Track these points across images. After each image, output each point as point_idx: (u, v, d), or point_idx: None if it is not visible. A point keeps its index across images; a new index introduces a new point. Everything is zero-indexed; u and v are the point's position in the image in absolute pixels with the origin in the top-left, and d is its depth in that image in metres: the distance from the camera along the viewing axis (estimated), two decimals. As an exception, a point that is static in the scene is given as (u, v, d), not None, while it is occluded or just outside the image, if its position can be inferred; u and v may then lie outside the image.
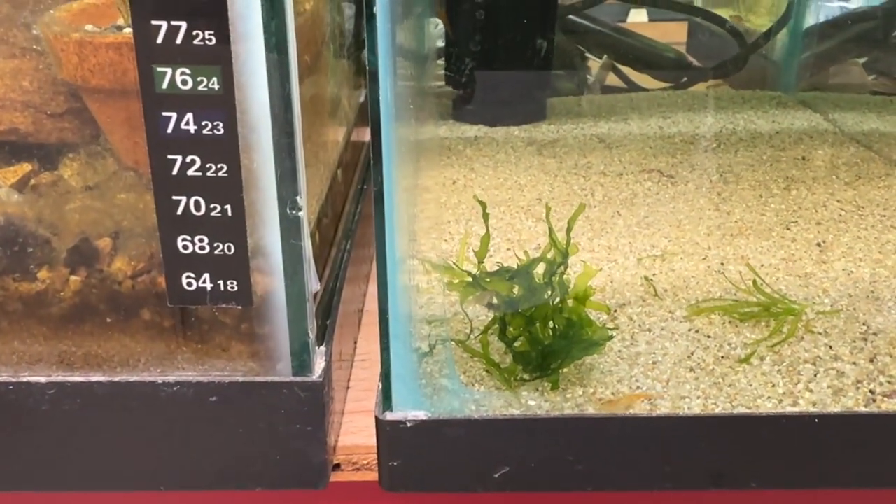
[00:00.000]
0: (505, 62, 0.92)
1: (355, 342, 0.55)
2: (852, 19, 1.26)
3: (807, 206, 0.66)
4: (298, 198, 0.37)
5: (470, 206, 0.68)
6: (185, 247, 0.38)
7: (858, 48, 1.16)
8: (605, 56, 1.22)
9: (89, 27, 0.41)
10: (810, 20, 1.16)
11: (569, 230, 0.43)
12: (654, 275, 0.55)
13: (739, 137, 0.86)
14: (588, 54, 1.25)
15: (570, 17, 1.12)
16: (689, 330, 0.49)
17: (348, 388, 0.50)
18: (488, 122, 0.93)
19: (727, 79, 1.21)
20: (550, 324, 0.44)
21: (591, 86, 1.23)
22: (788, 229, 0.62)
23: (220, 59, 0.34)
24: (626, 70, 1.17)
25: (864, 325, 0.49)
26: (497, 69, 0.92)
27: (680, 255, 0.58)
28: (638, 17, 1.62)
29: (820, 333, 0.48)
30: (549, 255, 0.44)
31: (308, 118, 0.41)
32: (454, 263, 0.50)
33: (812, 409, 0.42)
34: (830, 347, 0.47)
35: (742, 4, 1.37)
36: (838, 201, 0.67)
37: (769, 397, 0.43)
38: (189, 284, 0.39)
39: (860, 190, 0.69)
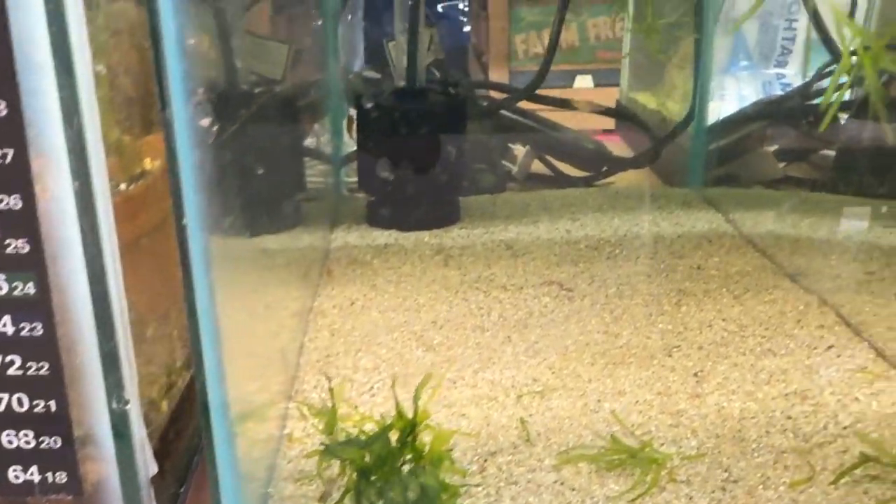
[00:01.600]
0: (418, 164, 0.93)
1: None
2: (762, 107, 1.32)
3: (693, 327, 0.68)
4: (124, 392, 0.37)
5: (363, 334, 0.68)
6: (10, 442, 0.37)
7: (769, 136, 1.21)
8: (527, 146, 1.26)
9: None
10: (729, 104, 1.21)
11: (416, 398, 0.43)
12: (530, 415, 0.55)
13: (642, 242, 0.88)
14: (511, 145, 1.29)
15: (502, 111, 1.16)
16: (555, 482, 0.49)
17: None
18: (402, 226, 0.94)
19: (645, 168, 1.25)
20: (406, 490, 0.44)
21: (517, 174, 1.26)
22: (670, 356, 0.63)
23: (34, 265, 0.34)
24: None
25: (725, 471, 0.49)
26: (410, 171, 0.93)
27: (560, 391, 0.58)
28: (584, 83, 1.67)
29: (683, 482, 0.49)
30: (401, 422, 0.44)
31: (148, 294, 0.41)
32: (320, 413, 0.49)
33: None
34: (691, 498, 0.47)
35: (661, 91, 1.42)
36: (724, 320, 0.69)
37: (626, 559, 0.43)
38: (16, 477, 0.38)
39: (746, 306, 0.71)
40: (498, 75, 1.80)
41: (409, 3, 0.92)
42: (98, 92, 0.35)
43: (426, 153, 0.93)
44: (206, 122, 0.39)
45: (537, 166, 1.24)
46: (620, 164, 1.21)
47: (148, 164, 0.46)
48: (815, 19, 0.96)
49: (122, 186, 0.44)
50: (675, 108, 1.22)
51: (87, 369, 0.36)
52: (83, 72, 0.34)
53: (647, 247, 0.87)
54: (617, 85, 1.61)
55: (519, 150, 1.27)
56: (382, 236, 0.92)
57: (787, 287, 0.75)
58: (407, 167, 0.93)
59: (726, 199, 1.00)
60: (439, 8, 1.74)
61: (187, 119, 0.33)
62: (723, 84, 1.23)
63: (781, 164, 1.17)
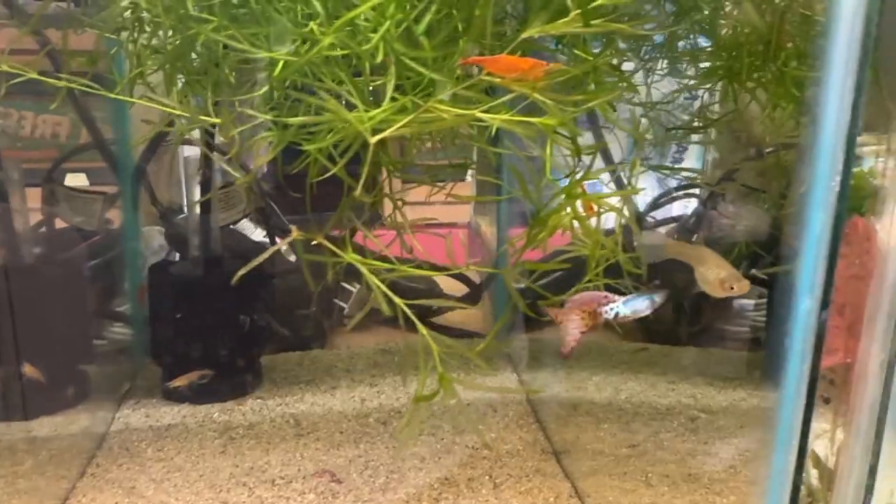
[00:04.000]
0: (210, 335, 0.91)
1: None
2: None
3: None
4: None
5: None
6: None
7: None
8: (359, 286, 1.26)
9: None
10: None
11: None
12: None
13: (433, 412, 0.89)
14: (345, 284, 1.29)
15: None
16: None
17: None
18: (195, 398, 0.91)
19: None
20: None
21: (348, 313, 1.26)
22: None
23: None
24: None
25: None
26: (203, 342, 0.92)
27: None
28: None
29: None
30: None
31: None
32: None
33: None
34: None
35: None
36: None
37: None
38: None
39: (501, 497, 0.72)
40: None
41: (202, 175, 0.93)
42: None
43: (220, 323, 0.91)
44: None
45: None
46: (449, 304, 1.23)
47: None
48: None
49: None
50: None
51: None
52: None
53: (434, 418, 0.87)
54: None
55: (351, 287, 1.27)
56: (170, 414, 0.89)
57: (548, 471, 0.76)
58: (200, 337, 0.91)
59: (526, 351, 1.03)
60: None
61: None
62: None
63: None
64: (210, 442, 0.83)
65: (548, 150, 0.49)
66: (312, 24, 0.47)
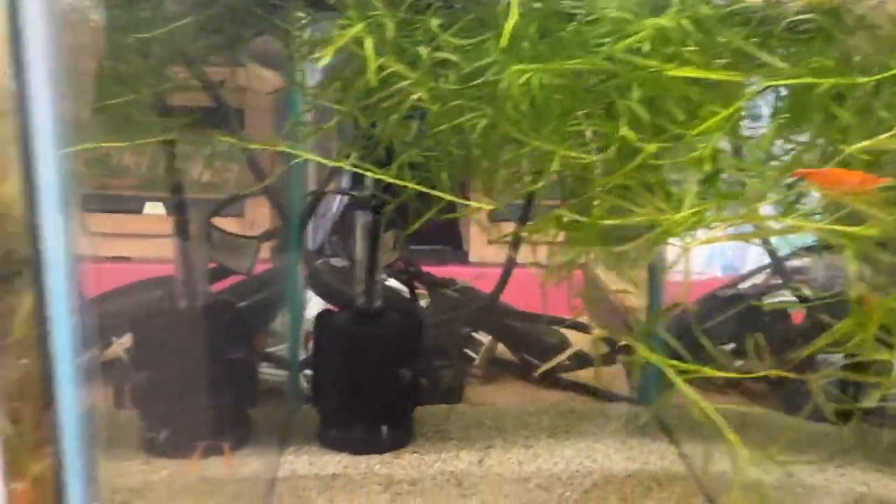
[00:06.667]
0: (372, 389, 0.93)
1: None
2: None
3: None
4: None
5: None
6: None
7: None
8: (489, 338, 1.26)
9: None
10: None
11: None
12: None
13: (594, 481, 0.87)
14: (474, 333, 1.29)
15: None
16: None
17: None
18: (353, 448, 0.92)
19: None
20: None
21: (479, 363, 1.26)
22: None
23: None
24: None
25: None
26: (363, 394, 0.93)
27: None
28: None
29: None
30: None
31: None
32: None
33: None
34: None
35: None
36: None
37: None
38: None
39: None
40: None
41: (369, 226, 0.95)
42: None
43: (380, 377, 0.93)
44: None
45: (503, 350, 1.25)
46: (585, 361, 1.22)
47: None
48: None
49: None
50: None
51: None
52: None
53: (597, 488, 0.85)
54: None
55: (482, 338, 1.28)
56: (332, 462, 0.90)
57: (733, 560, 0.73)
58: (359, 390, 0.93)
59: (681, 422, 1.00)
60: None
61: None
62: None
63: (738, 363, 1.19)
64: (377, 496, 0.83)
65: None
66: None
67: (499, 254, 1.64)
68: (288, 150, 0.63)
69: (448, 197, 0.53)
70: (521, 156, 0.52)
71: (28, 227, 0.37)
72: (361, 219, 0.95)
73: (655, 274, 1.05)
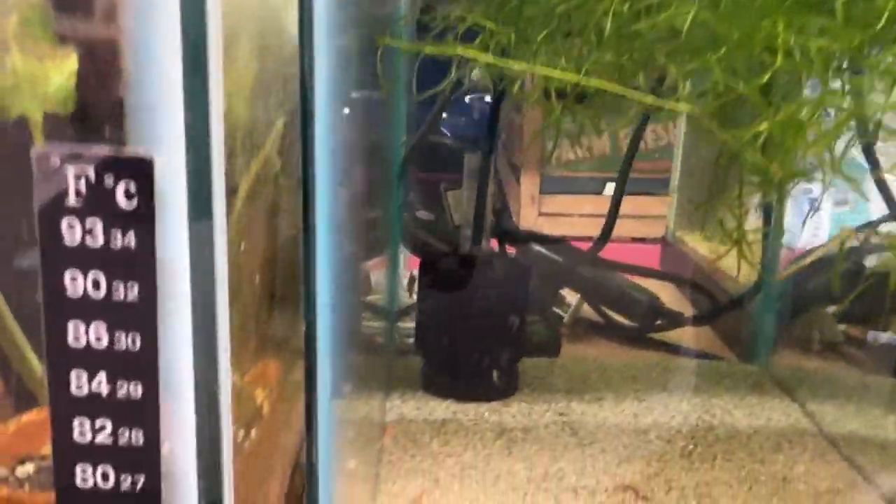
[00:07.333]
0: (479, 334, 0.90)
1: None
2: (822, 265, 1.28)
3: (789, 567, 0.62)
4: None
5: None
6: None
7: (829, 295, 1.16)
8: (578, 297, 1.22)
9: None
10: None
11: None
12: None
13: (717, 436, 0.83)
14: (561, 291, 1.25)
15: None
16: None
17: None
18: (459, 396, 0.90)
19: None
20: None
21: (567, 321, 1.22)
22: None
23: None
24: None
25: None
26: (471, 340, 0.90)
27: None
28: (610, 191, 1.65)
29: None
30: None
31: None
32: None
33: None
34: None
35: (714, 234, 1.39)
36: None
37: None
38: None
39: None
40: (530, 180, 1.80)
41: (479, 163, 0.92)
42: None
43: (490, 323, 0.90)
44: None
45: (587, 310, 1.21)
46: (678, 321, 1.17)
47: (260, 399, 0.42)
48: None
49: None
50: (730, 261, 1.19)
51: None
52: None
53: (721, 443, 0.81)
54: (647, 193, 1.59)
55: (570, 296, 1.24)
56: (440, 408, 0.87)
57: (887, 516, 0.69)
58: (468, 336, 0.90)
59: (798, 381, 0.95)
60: (467, 100, 1.74)
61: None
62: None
63: (841, 327, 1.13)
64: (492, 442, 0.80)
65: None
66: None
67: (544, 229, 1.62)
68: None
69: (647, 99, 0.49)
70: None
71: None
72: (472, 161, 0.92)
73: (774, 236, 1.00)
